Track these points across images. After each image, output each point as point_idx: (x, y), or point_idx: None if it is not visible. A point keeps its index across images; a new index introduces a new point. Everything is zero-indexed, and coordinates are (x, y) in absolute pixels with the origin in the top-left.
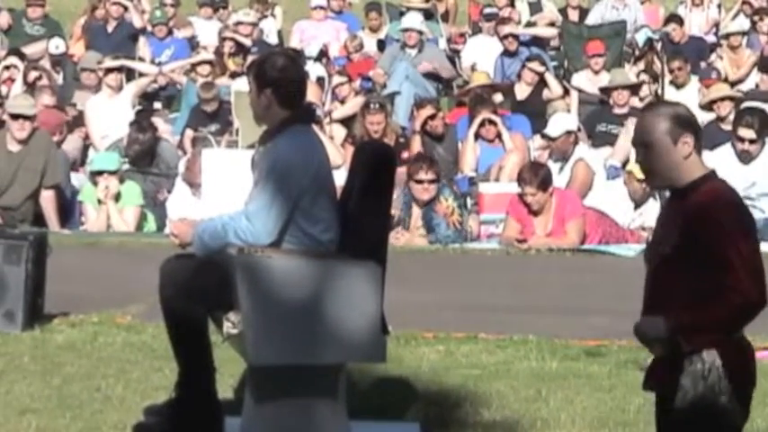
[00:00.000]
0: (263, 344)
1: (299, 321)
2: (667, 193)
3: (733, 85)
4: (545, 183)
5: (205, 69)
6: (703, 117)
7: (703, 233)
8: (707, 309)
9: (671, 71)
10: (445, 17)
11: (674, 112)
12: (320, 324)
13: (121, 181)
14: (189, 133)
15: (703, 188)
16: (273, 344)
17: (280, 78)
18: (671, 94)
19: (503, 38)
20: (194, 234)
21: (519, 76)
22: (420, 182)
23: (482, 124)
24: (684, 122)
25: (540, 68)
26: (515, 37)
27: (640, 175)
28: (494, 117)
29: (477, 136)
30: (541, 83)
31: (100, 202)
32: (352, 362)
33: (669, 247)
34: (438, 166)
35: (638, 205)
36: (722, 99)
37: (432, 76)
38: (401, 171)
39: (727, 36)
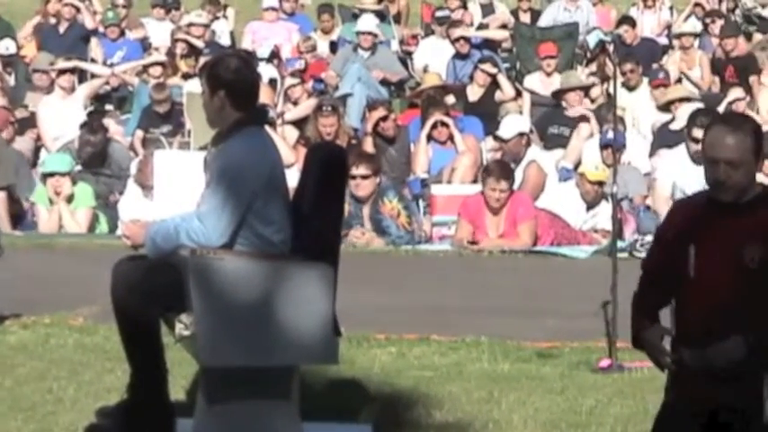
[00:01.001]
0: (215, 345)
1: (251, 323)
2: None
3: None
4: (511, 181)
5: (157, 71)
6: (656, 119)
7: None
8: None
9: (623, 73)
10: (397, 19)
11: (756, 129)
12: (272, 326)
13: (74, 183)
14: (140, 134)
15: None
16: (225, 345)
17: (233, 80)
18: (623, 96)
19: (454, 41)
20: (146, 236)
21: (471, 78)
22: (353, 177)
23: (434, 126)
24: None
25: (493, 70)
26: (467, 40)
27: (593, 178)
28: (446, 119)
29: (430, 138)
30: (494, 85)
31: (52, 203)
32: (304, 364)
33: (753, 261)
34: (374, 162)
35: (590, 207)
36: (680, 100)
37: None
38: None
39: (678, 36)
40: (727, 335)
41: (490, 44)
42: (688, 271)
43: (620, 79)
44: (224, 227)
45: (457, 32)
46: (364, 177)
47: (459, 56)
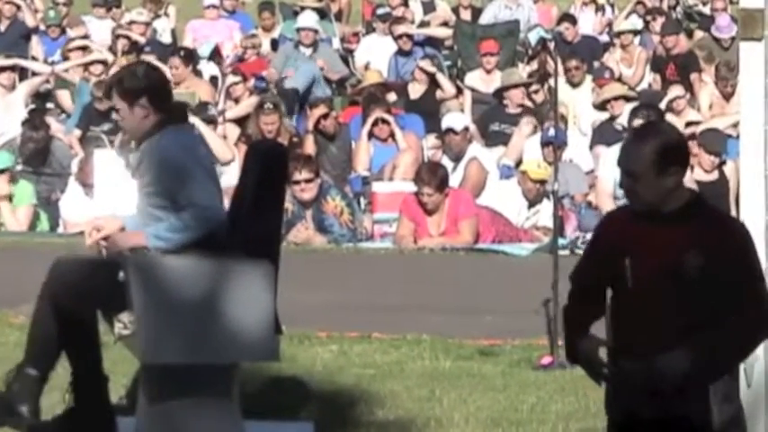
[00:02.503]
0: (156, 343)
1: (192, 320)
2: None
3: (626, 84)
4: (442, 183)
5: (98, 68)
6: (597, 116)
7: (735, 253)
8: (732, 328)
9: (567, 70)
10: (338, 16)
11: (661, 144)
12: (213, 323)
13: (14, 180)
14: (77, 133)
15: (708, 212)
16: (166, 343)
17: (150, 85)
18: (566, 92)
19: (397, 37)
20: (145, 237)
21: (413, 76)
22: (297, 182)
23: (375, 123)
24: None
25: (431, 69)
26: (410, 37)
27: (534, 176)
28: (387, 116)
29: (371, 135)
30: (435, 83)
31: None
32: (245, 361)
33: (693, 271)
34: (314, 163)
35: (531, 204)
36: (616, 98)
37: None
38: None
39: (618, 34)
40: (671, 346)
41: (432, 42)
42: (625, 283)
43: (562, 77)
44: (218, 201)
45: (400, 29)
46: (308, 181)
47: (401, 53)
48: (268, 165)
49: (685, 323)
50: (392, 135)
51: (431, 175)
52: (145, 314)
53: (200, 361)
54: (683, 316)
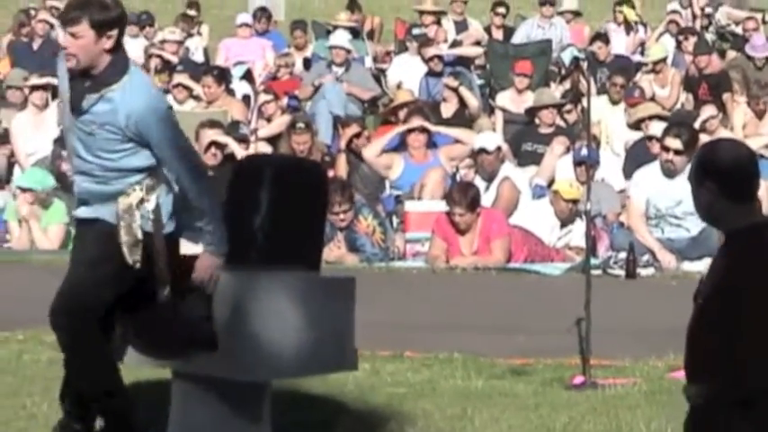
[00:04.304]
0: (262, 361)
1: (294, 335)
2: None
3: (659, 104)
4: (474, 203)
5: None
6: (631, 136)
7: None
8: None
9: (612, 85)
10: (371, 35)
11: (697, 157)
12: (306, 337)
13: (47, 199)
14: None
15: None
16: (272, 360)
17: (121, 15)
18: (599, 112)
19: (428, 59)
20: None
21: (443, 96)
22: (335, 213)
23: (411, 131)
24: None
25: (454, 83)
26: (440, 58)
27: (567, 195)
28: (426, 124)
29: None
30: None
31: (23, 219)
32: (330, 373)
33: (701, 296)
34: (349, 190)
35: (564, 224)
36: (650, 118)
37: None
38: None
39: (652, 62)
40: (688, 374)
41: (464, 61)
42: None
43: (595, 95)
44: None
45: (430, 51)
46: (345, 212)
47: (432, 74)
48: (310, 187)
49: (698, 353)
50: (427, 145)
51: (462, 195)
52: (250, 333)
53: (296, 376)
54: (695, 344)
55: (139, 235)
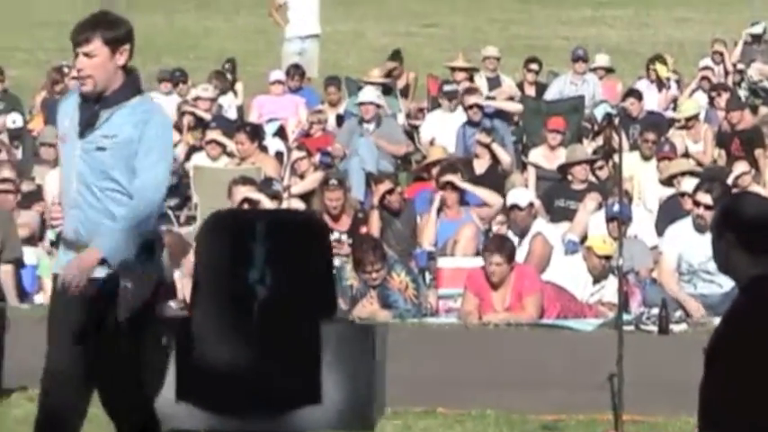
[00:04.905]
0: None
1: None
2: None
3: (693, 159)
4: (510, 255)
5: None
6: (663, 192)
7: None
8: None
9: (644, 141)
10: (405, 92)
11: (720, 207)
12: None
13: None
14: None
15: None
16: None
17: (131, 31)
18: (631, 168)
19: (467, 108)
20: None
21: (475, 152)
22: (367, 272)
23: (443, 187)
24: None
25: (486, 139)
26: (480, 108)
27: (600, 252)
28: (458, 182)
29: (440, 210)
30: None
31: None
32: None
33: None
34: (381, 248)
35: (597, 280)
36: (682, 174)
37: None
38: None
39: (684, 118)
40: (699, 425)
41: (502, 115)
42: None
43: (627, 151)
44: (156, 200)
45: (471, 99)
46: (378, 270)
47: (470, 123)
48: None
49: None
50: (459, 202)
51: (498, 246)
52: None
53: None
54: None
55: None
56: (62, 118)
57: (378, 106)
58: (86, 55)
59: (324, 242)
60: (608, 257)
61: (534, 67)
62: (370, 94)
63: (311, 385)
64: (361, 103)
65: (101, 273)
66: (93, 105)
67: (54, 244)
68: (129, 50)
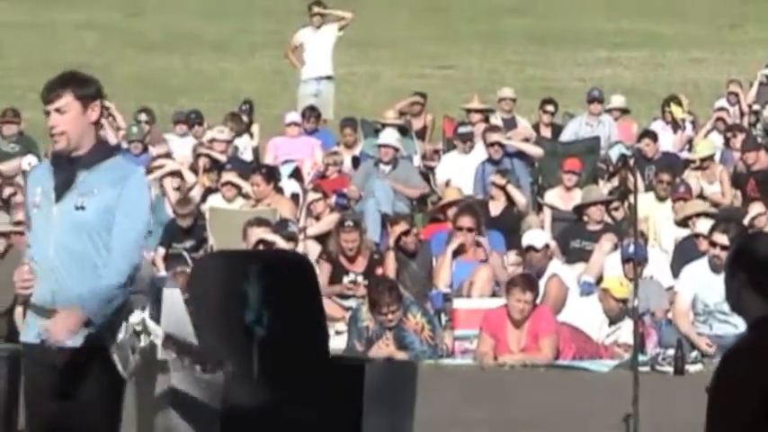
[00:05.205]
0: None
1: None
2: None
3: (706, 200)
4: (536, 294)
5: (175, 182)
6: (678, 233)
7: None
8: None
9: (659, 182)
10: (422, 133)
11: (734, 247)
12: None
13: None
14: (161, 251)
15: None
16: None
17: (101, 88)
18: (646, 209)
19: (488, 145)
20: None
21: (490, 193)
22: (383, 313)
23: (459, 228)
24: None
25: (501, 181)
26: (501, 146)
27: (617, 294)
28: (471, 234)
29: (456, 253)
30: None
31: None
32: None
33: None
34: (397, 289)
35: (613, 322)
36: (697, 215)
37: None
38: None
39: (699, 158)
40: None
41: (521, 156)
42: None
43: (642, 192)
44: (136, 260)
45: (494, 137)
46: (393, 311)
47: (490, 161)
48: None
49: None
50: (477, 245)
51: (525, 284)
52: None
53: None
54: None
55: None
56: (33, 186)
57: (396, 149)
58: (58, 111)
59: (313, 282)
60: (624, 300)
61: (550, 108)
62: (390, 136)
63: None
64: (381, 145)
65: (76, 341)
66: (68, 167)
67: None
68: (99, 108)
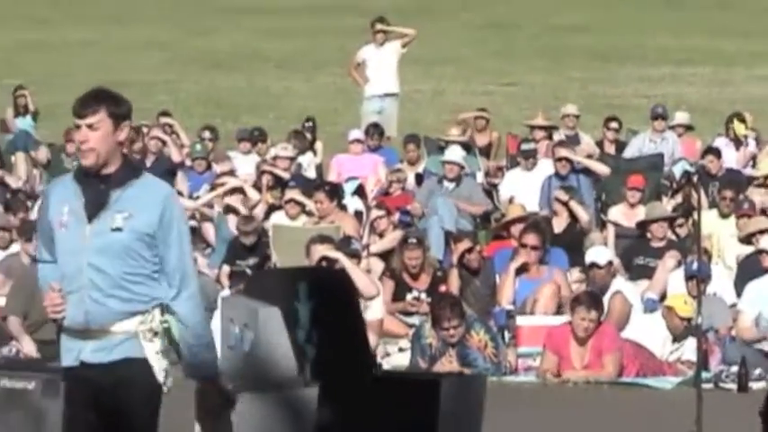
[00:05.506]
0: None
1: None
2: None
3: None
4: (600, 312)
5: (237, 199)
6: (742, 250)
7: None
8: None
9: (722, 198)
10: (487, 150)
11: None
12: None
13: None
14: (226, 269)
15: None
16: None
17: (131, 109)
18: (710, 226)
19: (557, 159)
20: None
21: (554, 209)
22: (445, 329)
23: (524, 245)
24: None
25: (564, 197)
26: (569, 161)
27: (682, 313)
28: (538, 252)
29: (520, 270)
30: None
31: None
32: None
33: None
34: (460, 306)
35: (676, 339)
36: (761, 232)
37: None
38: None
39: (763, 176)
40: None
41: (588, 173)
42: None
43: (706, 209)
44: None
45: (563, 152)
46: (456, 327)
47: (557, 175)
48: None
49: None
50: (541, 262)
51: (590, 302)
52: None
53: None
54: None
55: (166, 359)
56: (58, 204)
57: (461, 167)
58: (90, 127)
59: (355, 299)
60: (688, 318)
61: (614, 125)
62: (455, 153)
63: None
64: (446, 162)
65: (114, 354)
66: (98, 185)
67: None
68: (128, 128)
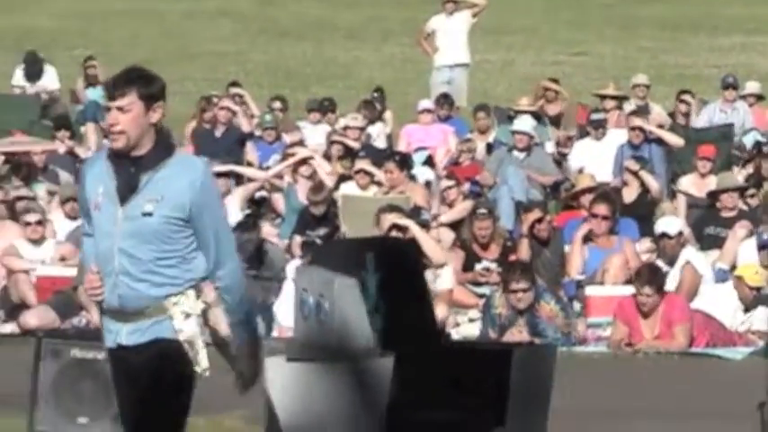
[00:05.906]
0: None
1: None
2: None
3: None
4: (661, 286)
5: (308, 171)
6: None
7: None
8: None
9: None
10: (557, 120)
11: None
12: None
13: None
14: (297, 239)
15: None
16: None
17: (164, 88)
18: None
19: (631, 128)
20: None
21: (623, 180)
22: (514, 291)
23: (595, 215)
24: None
25: (635, 167)
26: (643, 131)
27: (752, 282)
28: (608, 222)
29: (587, 239)
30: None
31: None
32: None
33: None
34: (531, 272)
35: (747, 309)
36: None
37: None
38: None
39: None
40: None
41: (659, 143)
42: None
43: None
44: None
45: (637, 121)
46: (525, 291)
47: (630, 145)
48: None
49: None
50: (609, 232)
51: (649, 277)
52: None
53: None
54: None
55: (201, 340)
56: (94, 183)
57: (531, 137)
58: (120, 109)
59: (420, 269)
60: (759, 288)
61: (687, 98)
62: (525, 123)
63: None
64: (516, 132)
65: (148, 336)
66: (129, 167)
67: None
68: (161, 108)
